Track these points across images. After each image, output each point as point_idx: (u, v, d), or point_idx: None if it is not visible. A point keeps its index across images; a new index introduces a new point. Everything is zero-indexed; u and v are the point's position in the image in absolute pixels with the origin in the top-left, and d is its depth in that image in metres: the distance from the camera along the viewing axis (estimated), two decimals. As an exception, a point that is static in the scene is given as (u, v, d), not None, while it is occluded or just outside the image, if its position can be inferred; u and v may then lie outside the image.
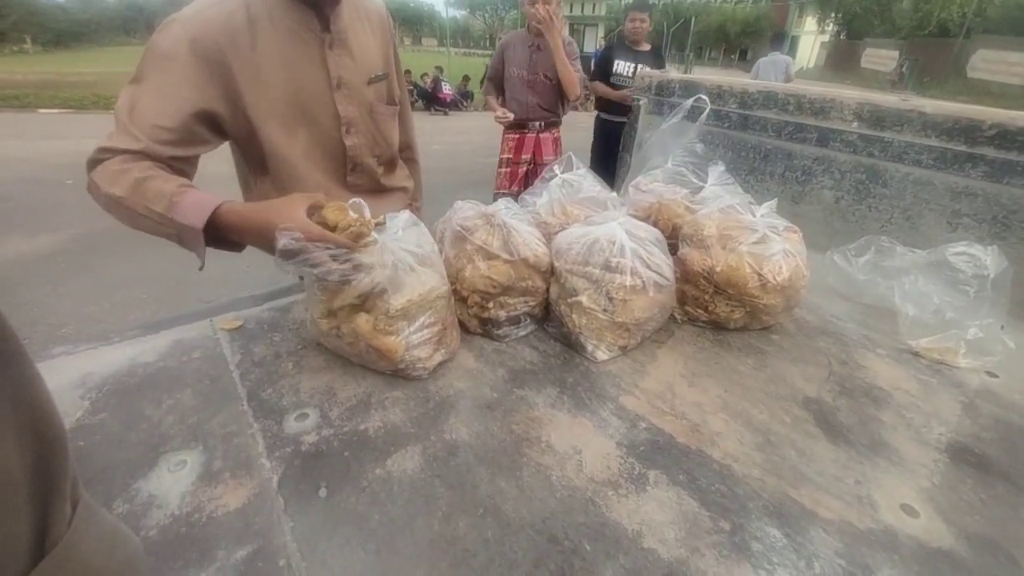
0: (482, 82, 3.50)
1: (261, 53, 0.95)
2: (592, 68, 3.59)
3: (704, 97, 1.45)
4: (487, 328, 1.02)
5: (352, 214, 0.80)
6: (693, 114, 1.51)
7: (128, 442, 0.72)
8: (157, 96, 0.87)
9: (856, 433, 0.83)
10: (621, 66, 3.31)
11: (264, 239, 0.76)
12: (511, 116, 2.80)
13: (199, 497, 0.65)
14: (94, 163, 0.85)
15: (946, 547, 0.65)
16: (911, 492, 0.73)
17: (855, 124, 1.35)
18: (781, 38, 6.69)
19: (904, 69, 18.77)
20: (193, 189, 0.84)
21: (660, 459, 0.76)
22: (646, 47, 3.34)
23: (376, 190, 1.23)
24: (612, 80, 3.34)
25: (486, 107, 3.23)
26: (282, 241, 0.71)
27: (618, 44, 3.41)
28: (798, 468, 0.76)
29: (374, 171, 1.20)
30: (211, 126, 0.96)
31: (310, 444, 0.75)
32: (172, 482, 0.67)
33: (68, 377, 0.84)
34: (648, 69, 2.81)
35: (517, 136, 2.97)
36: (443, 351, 0.92)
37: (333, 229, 0.78)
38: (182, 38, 0.88)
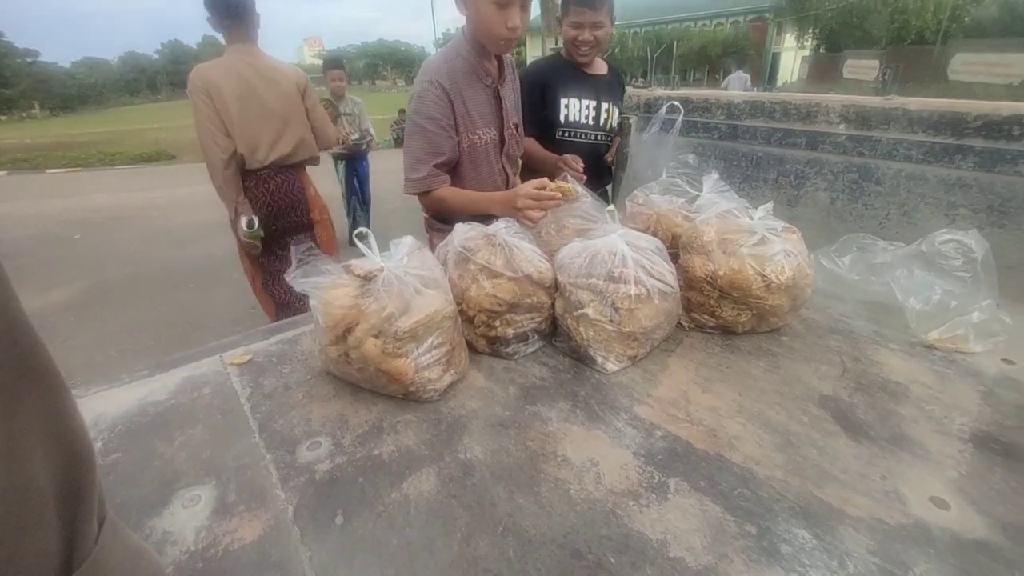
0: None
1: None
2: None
3: (676, 104, 1.49)
4: (495, 347, 1.02)
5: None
6: (668, 124, 1.55)
7: (141, 480, 0.72)
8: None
9: (877, 428, 0.82)
10: (575, 108, 1.81)
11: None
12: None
13: (214, 531, 0.64)
14: None
15: (981, 538, 0.63)
16: (939, 484, 0.71)
17: (842, 126, 1.38)
18: (743, 59, 11.03)
19: (886, 77, 19.19)
20: None
21: (679, 466, 0.75)
22: (602, 68, 1.88)
23: None
24: (560, 134, 1.83)
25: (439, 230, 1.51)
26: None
27: (559, 66, 1.83)
28: (821, 467, 0.74)
29: None
30: None
31: (324, 472, 0.74)
32: (187, 518, 0.66)
33: (81, 420, 0.84)
34: (620, 114, 1.87)
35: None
36: (453, 372, 0.91)
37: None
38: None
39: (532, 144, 1.76)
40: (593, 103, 1.82)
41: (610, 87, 1.90)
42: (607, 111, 1.85)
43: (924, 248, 1.04)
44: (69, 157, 10.94)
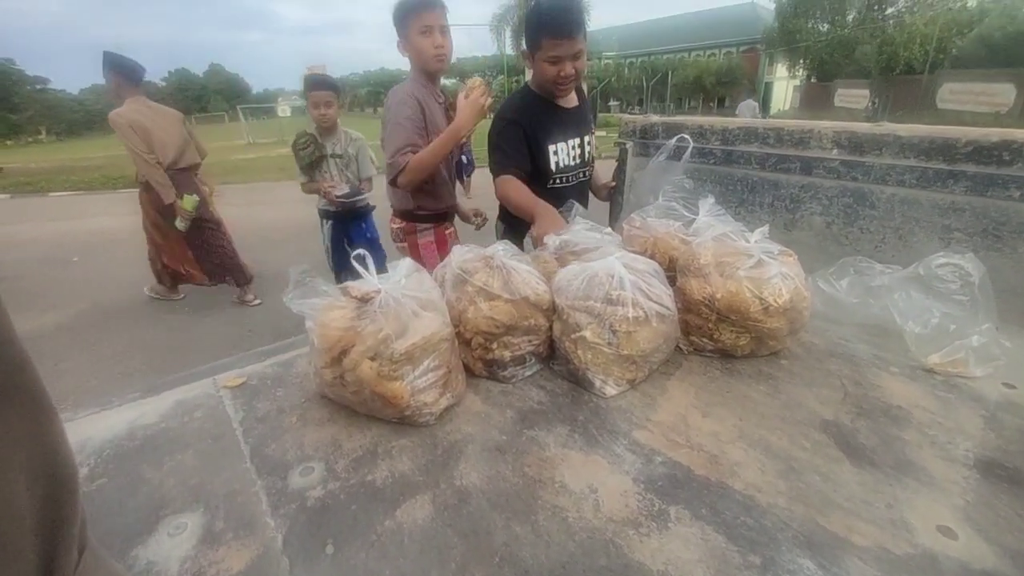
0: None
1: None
2: (495, 150, 1.67)
3: (686, 136, 1.51)
4: (492, 370, 1.00)
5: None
6: (677, 153, 1.57)
7: (127, 507, 0.70)
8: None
9: (880, 454, 0.80)
10: (563, 153, 1.67)
11: None
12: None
13: (200, 562, 0.62)
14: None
15: (990, 568, 0.61)
16: (946, 512, 0.70)
17: (835, 151, 1.40)
18: (751, 88, 12.50)
19: (876, 105, 19.69)
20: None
21: (680, 493, 0.73)
22: (574, 100, 1.73)
23: None
24: (552, 183, 1.69)
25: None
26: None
27: (536, 107, 1.64)
28: (825, 494, 0.72)
29: None
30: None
31: (316, 499, 0.72)
32: (172, 547, 0.64)
33: (68, 444, 0.82)
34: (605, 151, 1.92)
35: (436, 232, 2.02)
36: (449, 395, 0.90)
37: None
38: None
39: (513, 185, 1.54)
40: (577, 140, 1.71)
41: (584, 115, 1.76)
42: (589, 143, 1.77)
43: (921, 271, 1.05)
44: (72, 181, 11.04)
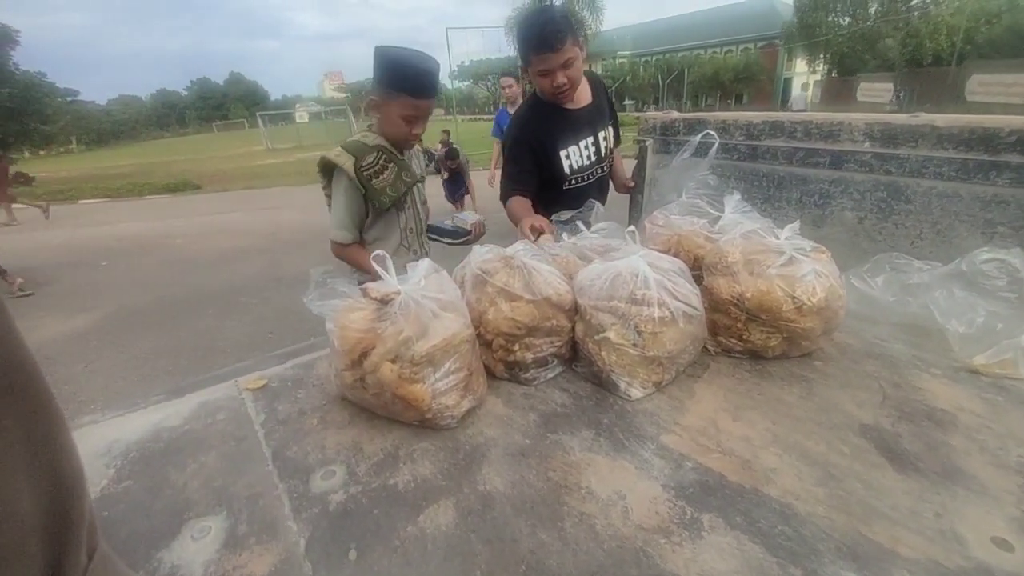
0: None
1: None
2: (504, 175, 1.72)
3: (712, 132, 1.47)
4: (514, 372, 0.99)
5: None
6: (702, 150, 1.53)
7: (152, 510, 0.70)
8: None
9: (926, 460, 0.76)
10: (576, 155, 1.65)
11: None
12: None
13: (224, 566, 0.61)
14: None
15: (1057, 585, 0.57)
16: (1000, 523, 0.65)
17: (867, 144, 1.35)
18: (803, 85, 13.04)
19: (901, 99, 19.17)
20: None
21: (712, 501, 0.70)
22: (586, 94, 1.67)
23: None
24: (568, 185, 1.68)
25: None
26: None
27: (545, 114, 1.62)
28: (867, 502, 0.69)
29: None
30: None
31: (338, 503, 0.71)
32: (196, 551, 0.64)
33: (94, 445, 0.83)
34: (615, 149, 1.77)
35: None
36: (470, 398, 0.89)
37: None
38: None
39: (515, 205, 1.59)
40: (591, 139, 1.67)
41: (599, 109, 1.70)
42: (604, 138, 1.72)
43: (964, 267, 0.99)
44: (101, 188, 11.41)
